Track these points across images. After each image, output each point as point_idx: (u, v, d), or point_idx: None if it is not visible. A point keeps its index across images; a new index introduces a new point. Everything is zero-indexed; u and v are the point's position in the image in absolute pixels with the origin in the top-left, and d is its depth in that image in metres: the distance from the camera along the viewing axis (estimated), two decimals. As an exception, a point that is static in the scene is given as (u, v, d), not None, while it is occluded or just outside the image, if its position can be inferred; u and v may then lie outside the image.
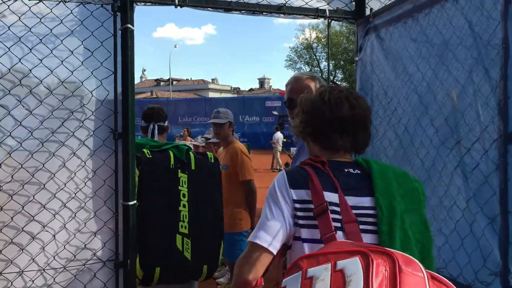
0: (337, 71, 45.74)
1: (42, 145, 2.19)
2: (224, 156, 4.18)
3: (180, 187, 2.63)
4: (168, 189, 2.58)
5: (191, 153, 2.75)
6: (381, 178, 1.44)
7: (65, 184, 2.24)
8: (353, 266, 1.02)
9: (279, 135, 18.79)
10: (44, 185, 2.19)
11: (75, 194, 2.27)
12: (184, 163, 2.68)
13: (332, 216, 1.34)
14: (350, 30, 43.68)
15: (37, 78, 2.19)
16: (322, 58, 45.54)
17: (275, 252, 1.39)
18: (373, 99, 2.73)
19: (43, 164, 2.19)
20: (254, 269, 1.37)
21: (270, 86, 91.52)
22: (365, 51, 2.75)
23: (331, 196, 1.39)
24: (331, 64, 40.00)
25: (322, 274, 1.06)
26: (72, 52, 2.26)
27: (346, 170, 1.48)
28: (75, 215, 2.26)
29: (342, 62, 44.97)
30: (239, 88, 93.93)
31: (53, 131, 2.22)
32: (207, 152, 2.91)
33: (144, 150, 2.62)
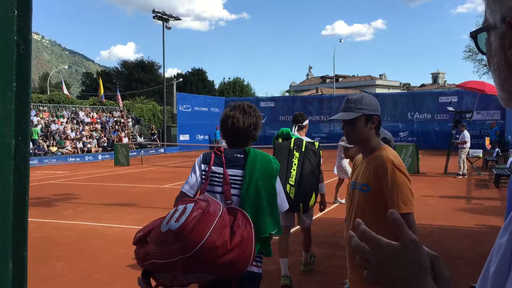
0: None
1: None
2: (363, 170, 2.49)
3: (293, 160, 4.99)
4: (287, 160, 4.96)
5: (304, 141, 5.14)
6: (251, 158, 2.74)
7: None
8: (190, 205, 2.33)
9: (466, 134, 15.60)
10: None
11: None
12: (299, 146, 5.07)
13: (216, 180, 2.72)
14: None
15: None
16: (510, 46, 39.29)
17: (192, 196, 2.73)
18: None
19: None
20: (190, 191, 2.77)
21: (445, 81, 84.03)
22: None
23: (219, 169, 2.74)
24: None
25: (179, 208, 2.34)
26: None
27: (235, 155, 2.78)
28: None
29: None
30: (409, 84, 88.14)
31: None
32: (314, 142, 5.28)
33: (279, 139, 5.14)
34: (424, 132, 30.57)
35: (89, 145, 27.50)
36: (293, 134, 5.26)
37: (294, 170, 4.93)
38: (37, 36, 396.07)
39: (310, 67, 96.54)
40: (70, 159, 25.10)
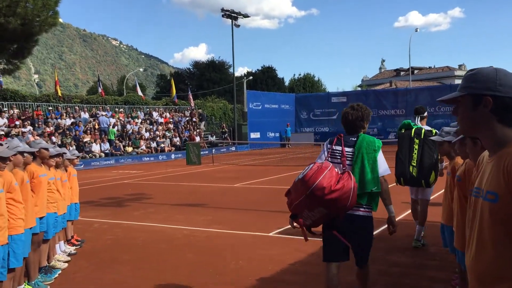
0: None
1: None
2: (488, 173, 1.78)
3: (414, 145, 6.13)
4: (409, 146, 6.18)
5: (423, 129, 6.25)
6: (360, 140, 3.90)
7: None
8: (311, 164, 3.65)
9: None
10: None
11: None
12: (419, 134, 6.19)
13: (337, 154, 3.92)
14: None
15: None
16: None
17: (320, 162, 3.82)
18: None
19: None
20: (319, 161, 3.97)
21: (533, 69, 77.59)
22: None
23: (339, 148, 3.93)
24: None
25: (307, 167, 3.64)
26: None
27: (350, 138, 3.95)
28: None
29: None
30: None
31: None
32: (432, 129, 6.35)
33: (402, 129, 6.45)
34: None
35: (162, 145, 28.02)
36: (414, 125, 6.45)
37: (415, 154, 6.12)
38: (116, 42, 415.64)
39: (383, 60, 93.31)
40: (145, 158, 25.68)
